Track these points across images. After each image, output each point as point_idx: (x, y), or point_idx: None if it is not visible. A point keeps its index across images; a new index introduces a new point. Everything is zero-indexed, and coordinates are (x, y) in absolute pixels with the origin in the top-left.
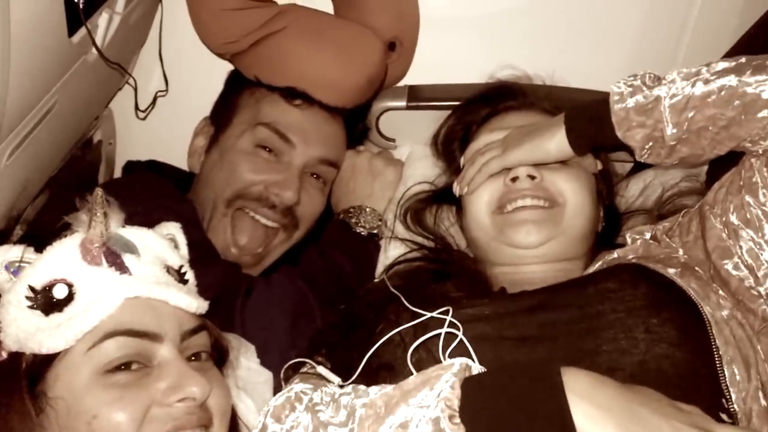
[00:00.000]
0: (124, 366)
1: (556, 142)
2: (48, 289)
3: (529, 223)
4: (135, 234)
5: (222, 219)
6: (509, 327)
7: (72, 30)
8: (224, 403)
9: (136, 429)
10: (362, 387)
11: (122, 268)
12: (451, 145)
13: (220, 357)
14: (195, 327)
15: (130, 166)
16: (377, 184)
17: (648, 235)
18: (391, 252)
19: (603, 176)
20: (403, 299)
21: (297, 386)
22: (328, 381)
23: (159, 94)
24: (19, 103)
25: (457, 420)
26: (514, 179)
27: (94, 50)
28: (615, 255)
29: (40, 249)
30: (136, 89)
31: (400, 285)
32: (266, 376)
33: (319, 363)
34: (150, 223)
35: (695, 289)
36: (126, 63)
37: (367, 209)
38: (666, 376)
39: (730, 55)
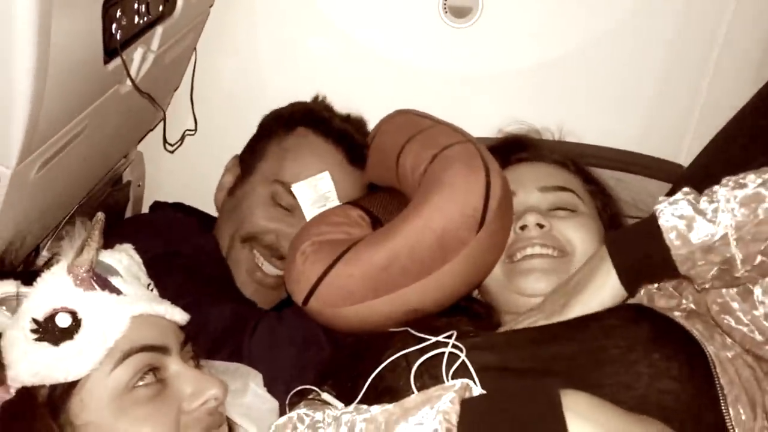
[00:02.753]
0: (141, 381)
1: (609, 290)
2: (51, 319)
3: (537, 271)
4: (111, 257)
5: (241, 250)
6: (514, 358)
7: (108, 59)
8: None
9: None
10: (364, 406)
11: (115, 291)
12: None
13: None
14: (185, 337)
15: (157, 206)
16: None
17: (655, 285)
18: None
19: (611, 226)
20: (409, 329)
21: (300, 410)
22: (333, 407)
23: (187, 133)
24: (52, 117)
25: None
26: (523, 227)
27: (127, 82)
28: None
29: (28, 282)
30: (165, 120)
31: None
32: (272, 404)
33: (324, 391)
34: (170, 255)
35: (700, 330)
36: (157, 101)
37: None
38: (668, 411)
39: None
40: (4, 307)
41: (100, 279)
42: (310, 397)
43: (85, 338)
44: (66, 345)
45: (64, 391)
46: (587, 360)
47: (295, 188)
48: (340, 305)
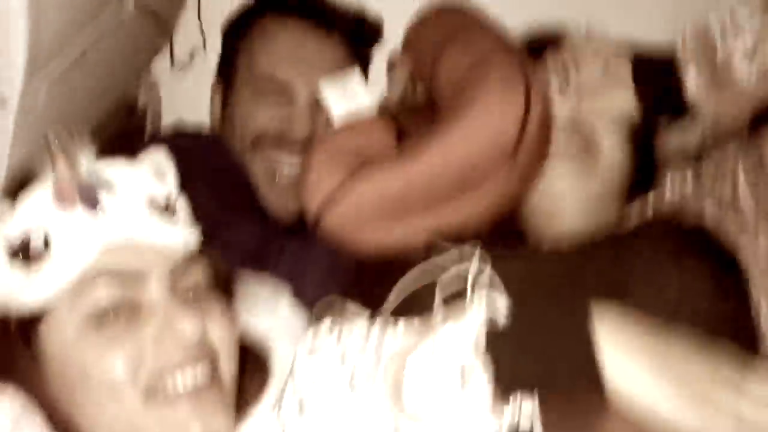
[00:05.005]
0: (113, 312)
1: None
2: (24, 240)
3: None
4: (112, 168)
5: (253, 160)
6: (540, 271)
7: None
8: (227, 334)
9: (133, 373)
10: (390, 319)
11: (101, 209)
12: None
13: (225, 287)
14: (186, 262)
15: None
16: None
17: (689, 174)
18: None
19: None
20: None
21: (328, 321)
22: (358, 318)
23: (196, 52)
24: (55, 32)
25: (482, 349)
26: None
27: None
28: (649, 201)
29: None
30: (171, 40)
31: None
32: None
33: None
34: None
35: (733, 232)
36: (163, 21)
37: None
38: (700, 316)
39: None
40: None
41: (86, 191)
42: (336, 309)
43: (54, 261)
44: (35, 268)
45: (29, 323)
46: (614, 275)
47: (322, 85)
48: (350, 226)
